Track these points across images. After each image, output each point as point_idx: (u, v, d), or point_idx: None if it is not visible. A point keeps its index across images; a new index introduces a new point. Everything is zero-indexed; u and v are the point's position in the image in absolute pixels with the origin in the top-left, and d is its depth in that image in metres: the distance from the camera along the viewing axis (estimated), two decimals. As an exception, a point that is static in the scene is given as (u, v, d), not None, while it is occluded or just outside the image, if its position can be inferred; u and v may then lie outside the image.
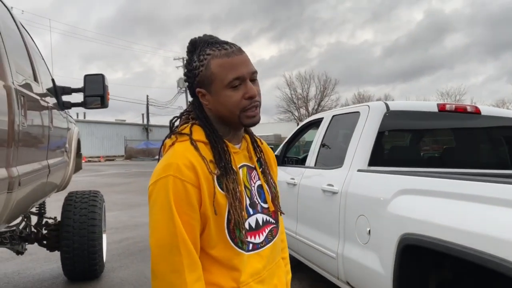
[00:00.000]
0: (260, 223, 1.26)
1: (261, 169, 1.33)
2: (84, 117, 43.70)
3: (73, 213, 4.32)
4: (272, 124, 44.02)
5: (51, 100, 3.40)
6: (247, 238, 1.20)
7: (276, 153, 4.74)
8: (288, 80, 48.84)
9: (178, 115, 1.32)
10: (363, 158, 3.04)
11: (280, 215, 1.36)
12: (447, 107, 3.29)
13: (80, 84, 3.96)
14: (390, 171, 2.80)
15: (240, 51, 1.20)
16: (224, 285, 1.18)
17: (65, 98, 3.98)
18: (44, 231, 4.48)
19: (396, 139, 3.70)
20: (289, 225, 3.94)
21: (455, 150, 3.58)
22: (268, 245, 1.27)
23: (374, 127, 3.08)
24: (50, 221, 4.63)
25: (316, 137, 3.96)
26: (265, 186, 1.31)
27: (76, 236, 4.22)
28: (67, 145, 4.03)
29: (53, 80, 3.87)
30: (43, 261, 5.23)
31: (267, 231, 1.27)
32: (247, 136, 1.34)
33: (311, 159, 3.91)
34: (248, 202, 1.23)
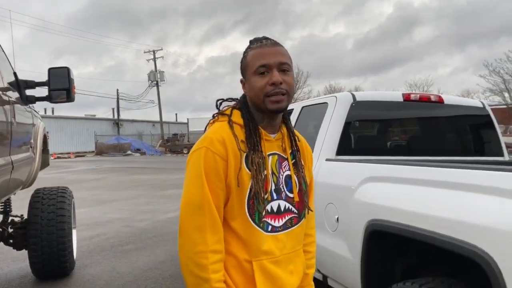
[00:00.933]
0: (282, 209, 1.37)
1: (293, 161, 1.42)
2: (53, 113, 42.47)
3: (40, 210, 4.22)
4: (245, 117, 44.00)
5: (13, 95, 3.29)
6: (266, 219, 1.33)
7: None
8: (260, 73, 48.75)
9: (224, 98, 1.48)
10: (331, 147, 3.09)
11: (305, 211, 1.44)
12: (412, 96, 3.37)
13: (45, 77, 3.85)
14: (357, 160, 2.86)
15: (274, 44, 1.36)
16: (238, 256, 1.32)
17: (29, 92, 3.87)
18: (10, 230, 4.36)
19: (363, 128, 3.77)
20: (261, 216, 3.98)
21: (420, 139, 3.69)
22: (286, 231, 1.38)
23: (341, 117, 3.13)
24: (17, 219, 4.51)
25: (286, 128, 3.99)
26: (294, 178, 1.41)
27: (44, 233, 4.13)
28: (32, 141, 3.92)
29: (15, 74, 3.75)
30: (10, 260, 5.10)
31: (287, 218, 1.38)
32: (284, 129, 1.44)
33: (281, 150, 3.94)
34: (273, 187, 1.35)
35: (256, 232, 1.31)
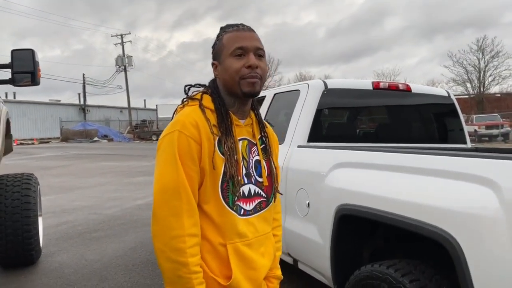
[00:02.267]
0: (252, 193, 1.39)
1: (262, 146, 1.46)
2: (14, 97, 40.82)
3: (4, 197, 4.09)
4: (215, 104, 43.71)
5: (-26, 77, 3.15)
6: (238, 202, 1.34)
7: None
8: (231, 59, 48.44)
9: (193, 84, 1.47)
10: (302, 134, 3.13)
11: (275, 196, 1.48)
12: (381, 85, 3.45)
13: (8, 60, 3.70)
14: (327, 146, 2.91)
15: (249, 29, 1.38)
16: (212, 240, 1.32)
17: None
18: (-28, 218, 4.20)
19: (334, 116, 3.84)
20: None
21: (389, 126, 3.78)
22: (255, 214, 1.40)
23: (313, 105, 3.17)
24: (-21, 206, 4.34)
25: (258, 115, 4.00)
26: (263, 162, 1.44)
27: (8, 221, 4.01)
28: (-6, 126, 3.77)
29: (-25, 55, 3.58)
30: (-27, 249, 4.92)
31: (256, 202, 1.41)
32: (253, 116, 1.47)
33: (253, 137, 3.96)
34: (244, 171, 1.37)
35: (229, 215, 1.32)
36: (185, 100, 1.41)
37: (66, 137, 37.61)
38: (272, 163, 1.47)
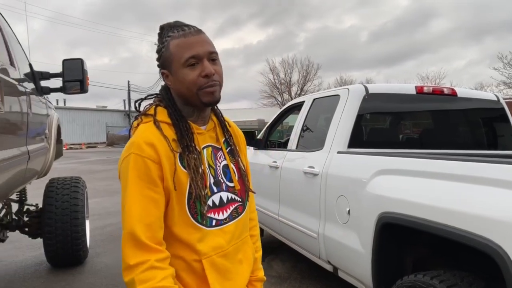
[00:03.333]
0: (225, 200, 1.31)
1: (227, 149, 1.38)
2: (65, 104, 42.85)
3: (55, 199, 4.29)
4: (255, 109, 44.01)
5: (29, 86, 3.34)
6: (210, 214, 1.26)
7: (258, 136, 4.78)
8: (271, 65, 48.71)
9: (143, 97, 1.38)
10: (342, 140, 3.09)
11: (248, 196, 1.40)
12: (425, 89, 3.35)
13: (60, 69, 3.90)
14: (369, 152, 2.86)
15: (198, 32, 1.25)
16: (186, 258, 1.24)
17: (44, 83, 3.91)
18: (26, 218, 4.44)
19: (375, 121, 3.76)
20: (272, 208, 4.00)
21: (433, 132, 3.67)
22: (233, 221, 1.33)
23: (354, 110, 3.12)
24: (32, 208, 4.59)
25: (298, 120, 4.00)
26: (231, 166, 1.36)
27: (58, 222, 4.20)
28: (47, 131, 3.97)
29: (30, 65, 3.79)
30: (26, 248, 5.20)
31: (231, 208, 1.33)
32: (214, 118, 1.39)
33: (292, 142, 3.96)
34: (212, 180, 1.29)
35: (200, 230, 1.24)
36: (137, 117, 1.30)
37: (112, 141, 39.01)
38: (241, 164, 1.40)
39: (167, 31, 1.28)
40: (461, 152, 3.29)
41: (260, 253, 1.53)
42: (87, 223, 4.85)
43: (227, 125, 1.43)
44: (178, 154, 1.22)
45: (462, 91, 3.55)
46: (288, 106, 4.65)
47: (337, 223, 2.85)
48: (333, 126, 3.22)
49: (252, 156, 4.73)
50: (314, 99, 3.87)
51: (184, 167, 1.22)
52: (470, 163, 2.01)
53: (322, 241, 3.04)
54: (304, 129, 3.88)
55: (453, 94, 3.43)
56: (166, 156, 1.19)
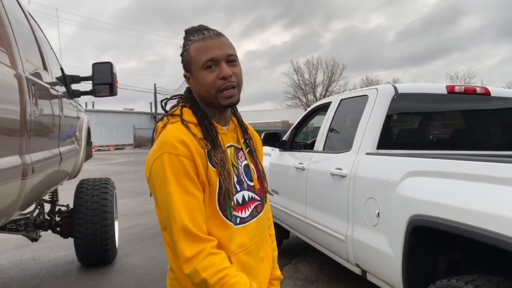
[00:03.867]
0: (246, 199, 1.35)
1: (247, 149, 1.43)
2: (93, 107, 43.91)
3: (85, 200, 4.39)
4: (279, 111, 43.95)
5: (61, 89, 3.43)
6: (234, 212, 1.30)
7: (284, 138, 4.76)
8: (295, 66, 48.53)
9: (168, 97, 1.43)
10: (371, 141, 3.04)
11: (266, 196, 1.45)
12: (456, 88, 3.26)
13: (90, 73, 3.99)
14: (399, 154, 2.80)
15: (217, 35, 1.29)
16: None
17: (74, 87, 4.01)
18: (57, 218, 4.56)
19: (405, 122, 3.69)
20: (298, 210, 3.97)
21: (465, 132, 3.56)
22: (253, 220, 1.37)
23: (383, 110, 3.07)
24: (63, 208, 4.71)
25: (324, 121, 3.96)
26: (251, 166, 1.41)
27: (88, 222, 4.30)
28: (77, 134, 4.07)
29: (62, 69, 3.90)
30: (57, 247, 5.34)
31: (252, 207, 1.37)
32: (234, 120, 1.43)
33: (319, 144, 3.92)
34: (235, 179, 1.33)
35: (229, 227, 1.28)
36: (164, 117, 1.34)
37: (139, 143, 39.73)
38: (259, 165, 1.44)
39: (189, 35, 1.32)
40: (495, 153, 3.18)
41: (276, 252, 1.56)
42: (116, 223, 4.94)
43: (246, 128, 1.48)
44: (207, 152, 1.25)
45: (496, 90, 3.44)
46: (314, 107, 4.61)
47: (366, 225, 2.80)
48: (361, 127, 3.17)
49: (278, 158, 4.71)
50: (341, 100, 3.82)
51: (213, 165, 1.26)
52: (505, 164, 1.94)
53: (351, 243, 3.00)
54: (331, 130, 3.84)
55: (487, 93, 3.33)
56: (197, 153, 1.23)
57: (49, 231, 4.57)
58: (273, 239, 1.56)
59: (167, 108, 1.39)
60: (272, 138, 4.72)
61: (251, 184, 1.38)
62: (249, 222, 1.35)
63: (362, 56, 73.79)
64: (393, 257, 2.47)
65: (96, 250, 4.38)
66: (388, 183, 2.56)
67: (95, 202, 4.41)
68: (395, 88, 3.14)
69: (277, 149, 4.74)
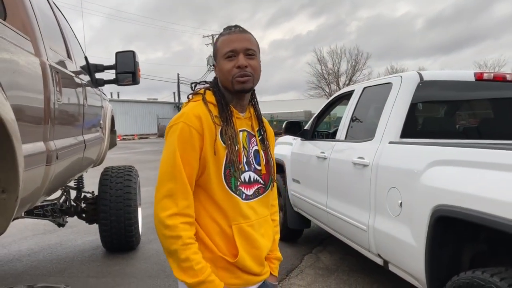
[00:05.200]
0: (252, 180, 1.53)
1: (260, 137, 1.60)
2: (118, 96, 44.62)
3: (109, 187, 4.47)
4: (302, 101, 43.66)
5: (85, 78, 3.48)
6: (241, 188, 1.48)
7: (306, 127, 4.71)
8: (319, 55, 47.97)
9: (198, 81, 1.65)
10: (395, 130, 2.97)
11: (272, 184, 1.61)
12: (485, 76, 3.15)
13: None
14: (423, 143, 2.73)
15: (241, 31, 1.50)
16: (219, 222, 1.46)
17: (98, 76, 4.07)
18: (83, 205, 4.67)
19: (430, 110, 3.59)
20: (319, 199, 3.94)
21: (493, 121, 3.45)
22: (255, 199, 1.54)
23: (407, 98, 2.99)
24: (88, 195, 4.82)
25: (347, 110, 3.90)
26: (261, 152, 1.58)
27: (112, 209, 4.38)
28: (101, 122, 4.14)
29: (86, 58, 3.96)
30: (83, 233, 5.48)
31: (255, 188, 1.54)
32: (252, 110, 1.60)
33: (341, 133, 3.87)
34: (245, 160, 1.51)
35: (233, 199, 1.46)
36: (190, 95, 1.55)
37: (163, 133, 40.07)
38: (269, 153, 1.60)
39: (223, 31, 1.52)
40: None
41: (278, 236, 1.74)
42: (140, 210, 5.02)
43: (262, 120, 1.64)
44: (219, 128, 1.44)
45: (527, 78, 3.30)
46: (337, 96, 4.55)
47: (388, 215, 2.75)
48: (385, 116, 3.11)
49: (299, 147, 4.68)
50: (365, 88, 3.75)
51: (224, 142, 1.44)
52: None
53: (372, 233, 2.96)
54: (354, 119, 3.78)
55: (517, 80, 3.20)
56: (208, 128, 1.42)
57: (75, 217, 4.69)
58: (276, 224, 1.73)
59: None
60: (294, 127, 4.68)
61: (258, 168, 1.55)
62: (252, 200, 1.52)
63: (388, 45, 72.33)
64: (416, 247, 2.42)
65: (120, 236, 4.47)
66: (411, 172, 2.50)
67: (119, 189, 4.48)
68: (420, 75, 3.06)
69: (299, 138, 4.70)
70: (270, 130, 1.68)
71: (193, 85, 1.61)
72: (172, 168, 1.39)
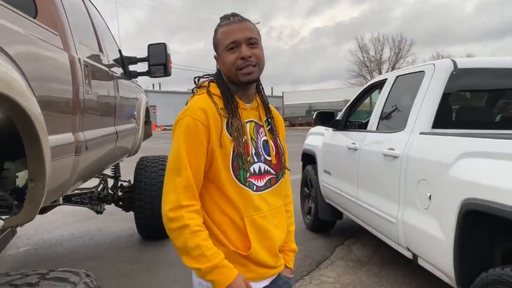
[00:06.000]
0: (262, 170, 1.50)
1: (268, 127, 1.57)
2: (160, 87, 45.68)
3: (144, 176, 4.60)
4: (342, 90, 42.87)
5: (118, 70, 3.58)
6: (251, 179, 1.46)
7: (338, 117, 4.64)
8: (360, 43, 46.84)
9: (201, 75, 1.62)
10: (426, 120, 2.87)
11: (284, 173, 1.58)
12: (526, 62, 2.96)
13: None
14: (453, 133, 2.62)
15: (241, 20, 1.46)
16: (231, 215, 1.44)
17: (132, 68, 4.17)
18: (119, 193, 4.84)
19: (465, 99, 3.43)
20: (350, 190, 3.89)
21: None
22: (267, 190, 1.51)
23: (440, 87, 2.87)
24: (125, 183, 4.98)
25: (379, 99, 3.80)
26: (271, 142, 1.55)
27: (147, 198, 4.51)
28: (135, 113, 4.25)
29: (119, 51, 4.06)
30: (121, 220, 5.69)
31: (266, 179, 1.51)
32: (258, 99, 1.57)
33: (373, 123, 3.78)
34: (253, 151, 1.48)
35: (243, 191, 1.44)
36: (194, 89, 1.54)
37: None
38: (279, 142, 1.57)
39: (220, 21, 1.49)
40: None
41: (293, 227, 1.69)
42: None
43: (270, 108, 1.60)
44: (225, 120, 1.42)
45: None
46: (370, 85, 4.43)
47: (417, 208, 2.67)
48: (416, 105, 3.00)
49: (331, 137, 4.62)
50: (397, 76, 3.64)
51: (230, 134, 1.42)
52: None
53: (401, 226, 2.89)
54: (386, 109, 3.68)
55: None
56: (214, 120, 1.41)
57: (112, 205, 4.87)
58: (290, 215, 1.69)
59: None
60: (326, 117, 4.61)
61: (268, 158, 1.53)
62: (263, 191, 1.50)
63: (435, 31, 69.33)
64: (444, 242, 2.34)
65: (154, 224, 4.60)
66: (440, 164, 2.42)
67: (154, 178, 4.60)
68: (454, 63, 2.92)
69: (331, 129, 4.64)
70: (279, 118, 1.65)
71: (196, 79, 1.58)
72: (178, 164, 1.38)
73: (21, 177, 1.87)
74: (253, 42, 1.43)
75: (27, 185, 1.84)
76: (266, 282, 1.52)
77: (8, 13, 1.61)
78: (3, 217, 1.98)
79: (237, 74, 1.42)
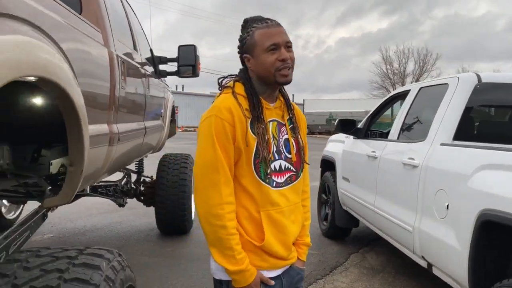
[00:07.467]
0: (283, 168, 1.58)
1: (290, 126, 1.64)
2: (183, 89, 46.22)
3: (166, 173, 4.74)
4: (364, 100, 42.59)
5: (149, 69, 3.73)
6: (271, 177, 1.54)
7: (359, 126, 4.69)
8: (384, 55, 46.50)
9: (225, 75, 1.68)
10: (448, 131, 2.91)
11: (302, 169, 1.64)
12: (552, 79, 2.98)
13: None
14: (473, 145, 2.66)
15: (278, 25, 1.53)
16: (248, 208, 1.53)
17: (162, 67, 4.33)
18: (142, 188, 4.99)
19: (487, 113, 3.45)
20: (368, 198, 3.93)
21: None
22: (287, 186, 1.59)
23: (463, 100, 2.91)
24: (147, 179, 5.13)
25: (401, 109, 3.84)
26: (291, 140, 1.62)
27: (168, 194, 4.64)
28: (162, 111, 4.40)
29: (151, 50, 4.22)
30: (142, 215, 5.84)
31: (287, 175, 1.59)
32: (281, 98, 1.64)
33: (394, 132, 3.82)
34: (274, 149, 1.56)
35: (262, 187, 1.51)
36: (220, 89, 1.60)
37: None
38: (300, 140, 1.64)
39: (251, 23, 1.56)
40: None
41: (308, 222, 1.77)
42: (193, 197, 5.25)
43: (292, 107, 1.67)
44: (249, 120, 1.49)
45: None
46: (393, 95, 4.48)
47: (434, 217, 2.71)
48: (439, 117, 3.04)
49: (351, 145, 4.67)
50: (421, 88, 3.68)
51: (254, 133, 1.49)
52: None
53: (417, 235, 2.93)
54: (407, 119, 3.72)
55: None
56: (239, 120, 1.47)
57: (134, 199, 5.02)
58: (306, 211, 1.76)
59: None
60: (347, 125, 4.67)
61: (289, 156, 1.60)
62: (283, 188, 1.57)
63: (463, 46, 68.21)
64: (460, 251, 2.38)
65: (173, 220, 4.73)
66: (459, 175, 2.46)
67: (175, 175, 4.74)
68: (478, 76, 2.96)
69: (351, 137, 4.69)
70: (301, 116, 1.71)
71: (219, 80, 1.65)
72: (214, 159, 1.44)
73: (55, 164, 2.00)
74: (290, 45, 1.51)
75: (59, 172, 1.98)
76: (279, 271, 1.60)
77: (59, 9, 1.74)
78: (40, 200, 2.11)
79: (275, 75, 1.49)
